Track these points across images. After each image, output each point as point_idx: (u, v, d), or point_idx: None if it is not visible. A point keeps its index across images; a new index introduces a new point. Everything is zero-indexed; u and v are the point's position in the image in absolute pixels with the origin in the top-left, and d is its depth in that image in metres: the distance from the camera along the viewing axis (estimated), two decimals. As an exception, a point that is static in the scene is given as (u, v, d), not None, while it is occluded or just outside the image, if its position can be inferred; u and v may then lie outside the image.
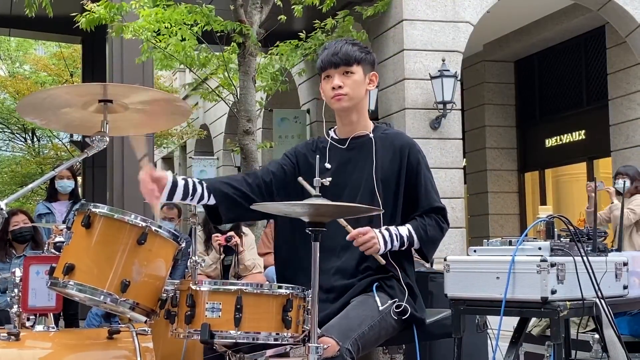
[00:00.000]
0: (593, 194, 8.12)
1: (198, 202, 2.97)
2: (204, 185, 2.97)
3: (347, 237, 2.90)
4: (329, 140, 3.17)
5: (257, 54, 8.72)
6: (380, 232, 2.94)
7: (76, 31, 9.14)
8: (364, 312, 2.86)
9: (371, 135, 3.12)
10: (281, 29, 9.33)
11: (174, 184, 2.89)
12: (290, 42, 9.25)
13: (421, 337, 3.05)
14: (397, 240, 2.97)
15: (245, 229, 6.42)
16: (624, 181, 7.52)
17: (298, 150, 3.23)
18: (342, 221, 2.91)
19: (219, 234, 6.15)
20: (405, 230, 3.00)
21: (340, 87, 3.03)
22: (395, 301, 2.94)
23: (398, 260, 3.02)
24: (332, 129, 3.23)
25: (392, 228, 2.98)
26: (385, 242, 2.94)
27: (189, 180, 2.95)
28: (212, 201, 3.00)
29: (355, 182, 3.05)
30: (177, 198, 2.90)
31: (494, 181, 15.86)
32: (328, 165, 2.87)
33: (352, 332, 2.75)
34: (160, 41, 8.90)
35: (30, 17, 8.20)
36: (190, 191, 2.93)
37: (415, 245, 3.04)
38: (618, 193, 8.05)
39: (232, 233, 6.12)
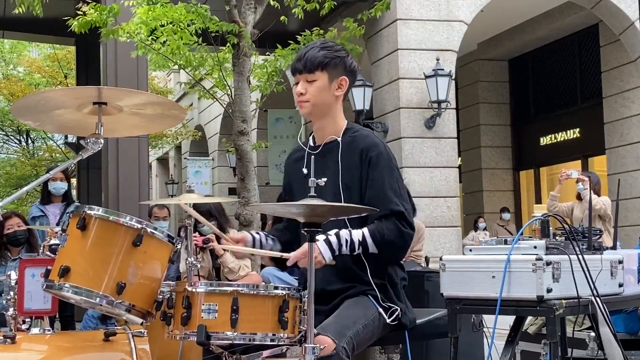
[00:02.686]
0: (562, 182, 8.39)
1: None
2: (270, 236, 3.29)
3: (287, 264, 2.92)
4: (308, 146, 3.19)
5: (251, 55, 8.71)
6: (326, 240, 2.87)
7: (70, 33, 9.13)
8: (358, 311, 2.89)
9: (339, 139, 3.09)
10: (276, 29, 9.32)
11: (253, 241, 3.21)
12: (289, 47, 9.22)
13: (414, 337, 3.05)
14: (347, 246, 2.88)
15: (233, 231, 6.33)
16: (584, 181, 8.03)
17: (286, 169, 3.38)
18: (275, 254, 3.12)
19: (197, 235, 6.07)
20: (359, 234, 2.91)
21: (302, 93, 3.03)
22: (392, 307, 2.95)
23: (383, 269, 3.02)
24: (312, 134, 3.23)
25: (344, 232, 2.91)
26: (332, 251, 2.87)
27: (261, 234, 3.28)
28: (278, 247, 3.29)
29: (323, 188, 2.93)
30: (258, 248, 3.23)
31: (489, 180, 15.89)
32: (305, 171, 2.87)
33: (348, 330, 2.77)
34: (155, 41, 8.88)
35: (24, 19, 8.18)
36: (264, 241, 3.24)
37: (371, 249, 2.92)
38: (579, 197, 8.39)
39: (210, 236, 6.03)
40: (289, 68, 10.02)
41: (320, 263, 2.83)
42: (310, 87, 3.03)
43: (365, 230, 2.93)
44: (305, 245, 2.77)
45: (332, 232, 2.90)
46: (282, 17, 8.95)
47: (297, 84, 3.07)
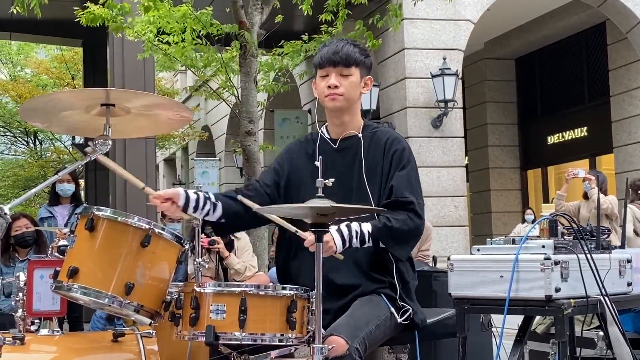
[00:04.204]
0: (569, 181, 8.38)
1: (206, 215, 3.01)
2: (211, 198, 3.01)
3: (305, 244, 2.76)
4: (319, 137, 3.16)
5: (258, 55, 8.70)
6: (338, 230, 2.83)
7: (77, 34, 9.16)
8: (371, 311, 2.88)
9: (360, 135, 3.10)
10: (283, 29, 9.31)
11: (187, 198, 2.94)
12: (294, 43, 9.20)
13: (423, 337, 3.05)
14: (357, 238, 2.86)
15: (238, 233, 6.31)
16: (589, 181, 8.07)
17: (291, 150, 3.23)
18: (290, 227, 2.84)
19: (203, 236, 6.06)
20: (368, 226, 2.88)
21: (336, 86, 3.02)
22: (404, 307, 2.95)
23: (397, 268, 3.01)
24: (325, 126, 3.21)
25: (354, 224, 2.88)
26: (343, 241, 2.83)
27: (200, 194, 2.99)
28: (218, 214, 3.02)
29: (347, 184, 3.01)
30: (191, 210, 2.95)
31: (496, 179, 15.86)
32: (317, 164, 2.79)
33: (360, 331, 2.76)
34: (162, 42, 8.88)
35: (31, 20, 8.17)
36: (201, 204, 2.97)
37: (382, 240, 2.90)
38: (585, 196, 8.39)
39: (216, 238, 6.03)
40: (296, 68, 10.05)
41: (331, 250, 2.78)
42: (345, 81, 3.03)
43: (374, 223, 2.90)
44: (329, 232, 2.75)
45: (344, 223, 2.87)
46: (278, 17, 8.89)
47: (323, 77, 3.05)
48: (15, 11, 8.01)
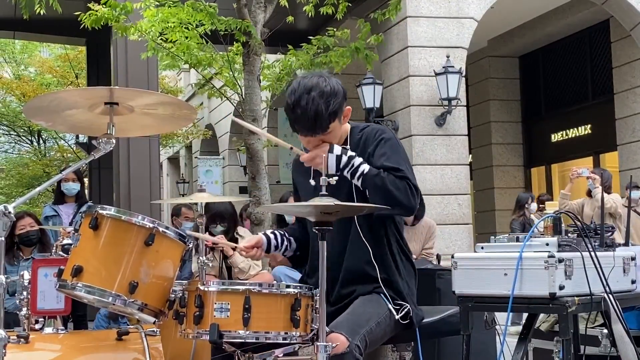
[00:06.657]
0: (573, 181, 8.39)
1: (285, 251, 3.27)
2: (286, 234, 3.26)
3: (301, 159, 2.98)
4: None
5: (261, 53, 8.70)
6: (338, 156, 2.88)
7: (81, 33, 9.15)
8: (371, 309, 2.89)
9: (347, 146, 3.04)
10: (286, 28, 9.32)
11: (268, 241, 3.20)
12: (302, 51, 9.18)
13: (427, 335, 3.05)
14: (350, 168, 2.88)
15: (242, 231, 6.31)
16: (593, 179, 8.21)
17: (293, 171, 3.34)
18: (285, 144, 3.02)
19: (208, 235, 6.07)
20: (365, 167, 2.88)
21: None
22: (403, 305, 2.95)
23: (396, 267, 3.02)
24: None
25: (358, 159, 2.89)
26: (338, 166, 2.88)
27: (276, 232, 3.27)
28: (294, 246, 3.28)
29: (335, 193, 2.84)
30: (273, 249, 3.21)
31: (500, 177, 15.84)
32: (312, 182, 2.88)
33: (361, 328, 2.77)
34: (165, 41, 8.88)
35: (35, 19, 8.19)
36: (279, 241, 3.23)
37: (370, 188, 2.87)
38: (589, 194, 8.42)
39: (220, 237, 6.05)
40: (299, 67, 10.05)
41: (317, 165, 2.91)
42: (327, 137, 2.95)
43: (375, 169, 2.88)
44: (316, 150, 2.91)
45: (349, 152, 2.91)
46: (289, 18, 8.93)
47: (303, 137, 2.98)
48: (37, 11, 8.03)
